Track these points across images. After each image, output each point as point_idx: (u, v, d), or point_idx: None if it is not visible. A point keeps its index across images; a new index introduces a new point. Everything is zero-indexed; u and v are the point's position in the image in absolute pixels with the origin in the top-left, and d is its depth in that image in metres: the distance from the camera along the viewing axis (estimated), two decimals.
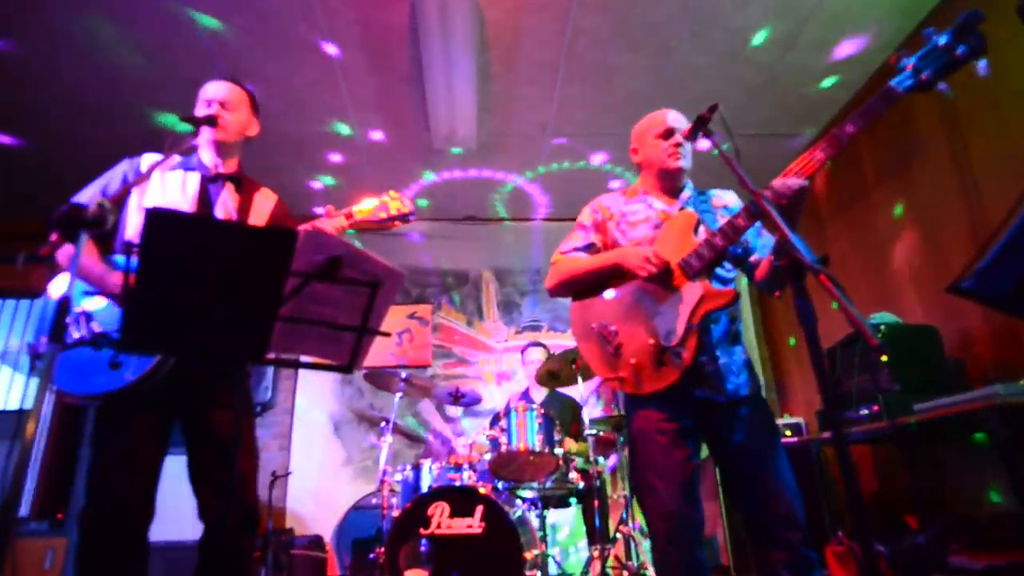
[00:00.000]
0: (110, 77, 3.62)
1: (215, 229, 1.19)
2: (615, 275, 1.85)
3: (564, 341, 5.21)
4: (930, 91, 1.41)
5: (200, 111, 1.99)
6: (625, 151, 4.72)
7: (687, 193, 1.94)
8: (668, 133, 1.94)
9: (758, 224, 1.85)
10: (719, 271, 1.80)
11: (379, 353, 5.03)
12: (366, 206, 1.98)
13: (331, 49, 3.52)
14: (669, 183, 1.95)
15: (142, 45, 3.43)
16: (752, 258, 1.84)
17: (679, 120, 1.97)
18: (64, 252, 1.65)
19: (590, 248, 1.99)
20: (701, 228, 1.80)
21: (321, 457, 4.78)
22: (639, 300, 1.79)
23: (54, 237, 1.27)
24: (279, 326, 1.33)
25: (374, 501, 4.05)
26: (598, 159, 4.73)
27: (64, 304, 1.20)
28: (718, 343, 1.74)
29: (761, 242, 1.85)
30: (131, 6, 3.18)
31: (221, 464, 1.72)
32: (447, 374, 5.12)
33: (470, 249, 5.47)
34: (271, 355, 1.37)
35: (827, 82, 3.90)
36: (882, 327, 3.10)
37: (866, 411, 3.03)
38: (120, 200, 1.50)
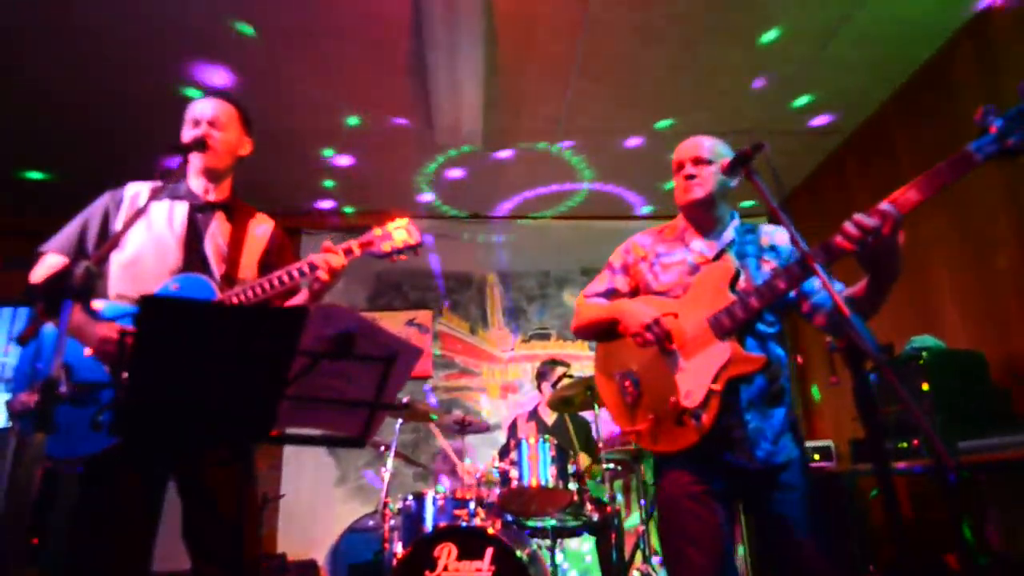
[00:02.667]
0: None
1: (217, 314, 1.15)
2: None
3: (575, 351, 5.19)
4: (1015, 159, 1.32)
5: (187, 132, 1.94)
6: (643, 147, 4.68)
7: (730, 234, 1.86)
8: (678, 167, 1.89)
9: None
10: (759, 326, 1.76)
11: None
12: (368, 238, 1.92)
13: (329, 40, 3.45)
14: (697, 217, 1.89)
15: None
16: (805, 306, 1.77)
17: (686, 149, 1.89)
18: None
19: (611, 294, 1.97)
20: (741, 278, 1.76)
21: (314, 477, 4.79)
22: (665, 351, 1.76)
23: (38, 309, 1.24)
24: (286, 403, 1.30)
25: (370, 523, 4.06)
26: (615, 156, 4.67)
27: (51, 385, 1.17)
28: (750, 406, 1.70)
29: (818, 285, 1.75)
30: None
31: (216, 530, 1.70)
32: (448, 386, 5.11)
33: (474, 250, 5.43)
34: (277, 432, 1.35)
35: (865, 75, 3.83)
36: (924, 353, 3.07)
37: (904, 444, 3.02)
38: (104, 257, 1.46)
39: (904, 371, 3.12)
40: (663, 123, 4.30)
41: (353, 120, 4.16)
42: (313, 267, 1.74)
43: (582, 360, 5.12)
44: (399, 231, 1.91)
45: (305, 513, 4.67)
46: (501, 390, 5.12)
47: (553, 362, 3.98)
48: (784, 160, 4.61)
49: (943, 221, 3.53)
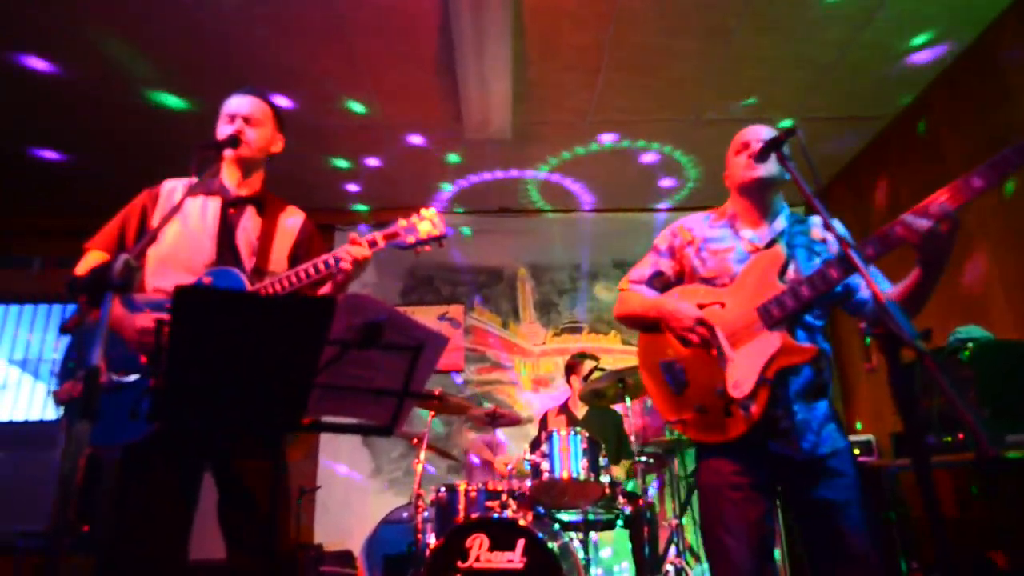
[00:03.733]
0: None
1: (248, 304, 1.18)
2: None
3: (608, 344, 5.16)
4: None
5: (223, 127, 1.99)
6: (673, 139, 4.63)
7: (781, 222, 1.83)
8: (744, 147, 1.86)
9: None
10: (807, 318, 1.72)
11: None
12: (393, 230, 1.93)
13: (357, 37, 3.49)
14: (753, 199, 1.85)
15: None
16: (854, 299, 1.75)
17: (758, 132, 1.87)
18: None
19: (657, 277, 1.95)
20: (791, 268, 1.72)
21: (350, 468, 4.87)
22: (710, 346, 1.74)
23: (81, 301, 1.29)
24: (316, 392, 1.33)
25: (405, 515, 4.11)
26: (644, 149, 4.62)
27: (94, 375, 1.22)
28: (796, 397, 1.68)
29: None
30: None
31: (248, 521, 1.74)
32: (480, 379, 5.14)
33: (504, 244, 5.43)
34: (308, 420, 1.38)
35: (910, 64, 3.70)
36: (969, 343, 2.97)
37: (949, 438, 2.92)
38: (143, 250, 1.51)
39: (949, 363, 3.02)
40: (693, 114, 4.23)
41: (381, 115, 4.20)
42: (338, 259, 1.77)
43: (614, 353, 5.09)
44: (424, 223, 1.92)
45: (340, 504, 4.76)
46: (533, 383, 5.13)
47: (583, 355, 3.96)
48: (818, 147, 4.50)
49: (986, 206, 3.40)
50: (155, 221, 1.89)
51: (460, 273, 5.37)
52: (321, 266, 1.78)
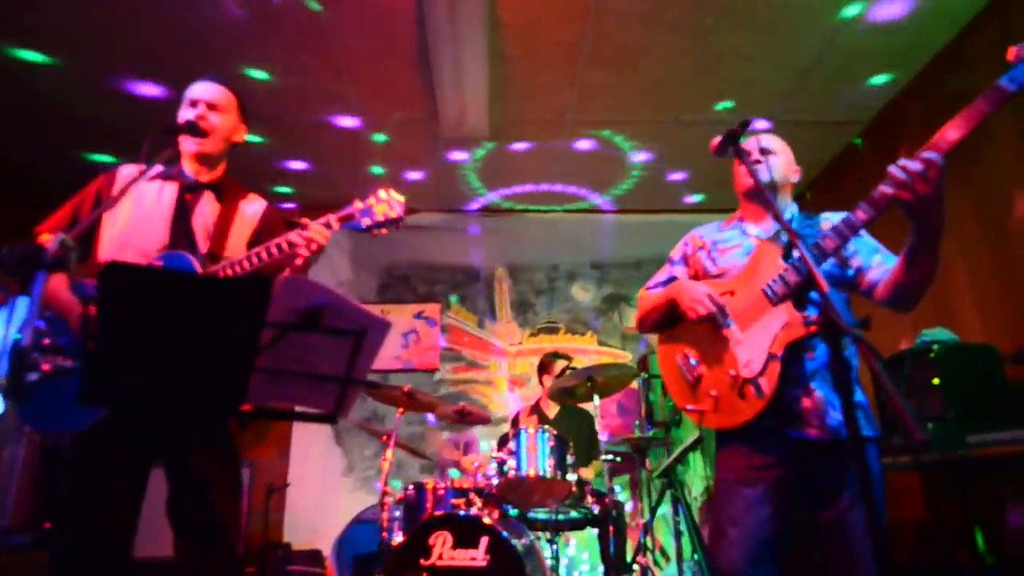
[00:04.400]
0: None
1: (179, 282, 1.15)
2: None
3: (583, 345, 5.16)
4: None
5: (185, 112, 1.95)
6: (654, 139, 4.64)
7: (787, 216, 1.89)
8: (716, 153, 1.90)
9: (872, 241, 1.80)
10: (814, 295, 1.71)
11: (383, 355, 5.03)
12: (348, 211, 1.88)
13: (331, 32, 3.46)
14: (756, 204, 1.93)
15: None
16: (865, 281, 1.74)
17: (757, 140, 1.95)
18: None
19: (671, 283, 1.99)
20: (795, 253, 1.72)
21: (321, 466, 4.82)
22: (721, 326, 1.75)
23: (11, 283, 1.25)
24: (256, 376, 1.30)
25: (375, 514, 4.07)
26: (623, 147, 4.63)
27: (20, 355, 1.19)
28: (814, 374, 1.67)
29: (879, 258, 1.75)
30: None
31: (197, 509, 1.71)
32: (455, 379, 5.11)
33: (482, 243, 5.41)
34: (249, 406, 1.35)
35: (879, 78, 3.75)
36: (935, 345, 2.99)
37: None
38: (86, 231, 1.48)
39: (916, 364, 3.05)
40: (675, 114, 4.24)
41: (352, 112, 4.17)
42: (292, 243, 1.74)
43: (589, 354, 5.09)
44: (381, 205, 1.86)
45: (311, 503, 4.70)
46: (509, 383, 5.11)
47: (555, 355, 3.95)
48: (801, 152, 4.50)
49: (959, 208, 3.42)
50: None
51: (437, 272, 5.34)
52: (274, 250, 1.75)
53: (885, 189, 1.45)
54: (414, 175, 4.98)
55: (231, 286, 1.19)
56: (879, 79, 3.86)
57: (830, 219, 1.85)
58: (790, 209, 1.92)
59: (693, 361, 1.82)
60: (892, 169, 1.42)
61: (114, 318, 1.09)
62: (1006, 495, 2.91)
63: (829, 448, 1.63)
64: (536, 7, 3.36)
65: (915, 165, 1.39)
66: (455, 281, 5.33)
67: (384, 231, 1.85)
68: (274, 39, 3.53)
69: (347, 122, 4.28)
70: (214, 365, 1.21)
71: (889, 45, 3.57)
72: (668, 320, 1.93)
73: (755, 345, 1.66)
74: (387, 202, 1.84)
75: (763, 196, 1.82)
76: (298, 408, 1.41)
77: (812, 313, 1.63)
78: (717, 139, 1.73)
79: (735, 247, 1.90)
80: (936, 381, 2.94)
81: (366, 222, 1.83)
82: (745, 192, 1.94)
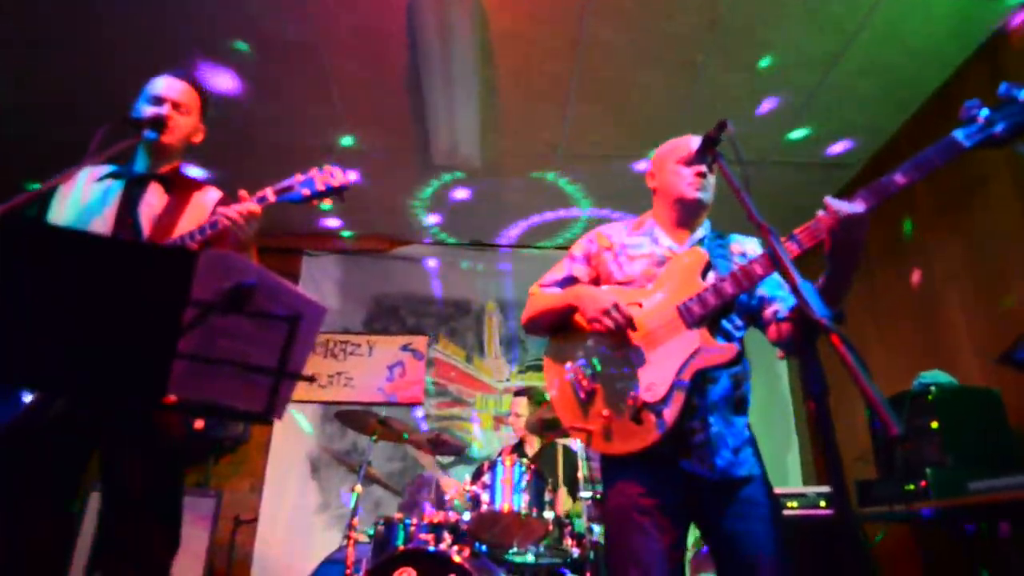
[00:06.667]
0: None
1: (90, 245, 1.05)
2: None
3: None
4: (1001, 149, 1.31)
5: (146, 108, 1.89)
6: (644, 172, 4.59)
7: (701, 232, 1.79)
8: (688, 162, 1.81)
9: (779, 278, 1.69)
10: (725, 324, 1.62)
11: (367, 388, 4.88)
12: (288, 183, 1.79)
13: (324, 57, 3.47)
14: (684, 216, 1.80)
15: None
16: (767, 311, 1.65)
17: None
18: None
19: (569, 283, 1.85)
20: (711, 273, 1.63)
21: (295, 501, 4.60)
22: (626, 342, 1.62)
23: None
24: (181, 365, 1.19)
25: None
26: (614, 182, 4.59)
27: None
28: (714, 407, 1.56)
29: (782, 293, 1.66)
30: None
31: (122, 521, 1.56)
32: (439, 414, 4.93)
33: (473, 277, 5.32)
34: (173, 398, 1.23)
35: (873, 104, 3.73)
36: (932, 388, 2.86)
37: (912, 486, 2.76)
38: (22, 205, 1.39)
39: (913, 407, 2.91)
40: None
41: (349, 139, 4.15)
42: (229, 218, 1.64)
43: None
44: (323, 175, 1.78)
45: (282, 540, 4.46)
46: (494, 421, 4.93)
47: (521, 392, 3.84)
48: (789, 194, 4.45)
49: (957, 256, 3.33)
50: (57, 198, 1.78)
51: (426, 304, 5.22)
52: (208, 229, 1.66)
53: (821, 218, 1.41)
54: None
55: (150, 252, 1.09)
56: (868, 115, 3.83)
57: (741, 242, 1.79)
58: (706, 226, 1.83)
59: (588, 373, 1.65)
60: (830, 200, 1.38)
61: (12, 284, 0.99)
62: (1012, 543, 2.71)
63: (720, 486, 1.54)
64: (527, 40, 3.34)
65: (850, 207, 1.34)
66: (444, 314, 5.21)
67: (328, 200, 1.76)
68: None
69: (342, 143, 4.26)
70: (129, 342, 1.10)
71: (880, 84, 3.56)
72: (561, 325, 1.77)
73: (661, 367, 1.52)
74: (330, 172, 1.76)
75: (699, 210, 1.78)
76: (225, 404, 1.29)
77: (721, 343, 1.56)
78: (695, 147, 1.67)
79: (645, 255, 1.75)
80: (935, 425, 2.80)
81: (305, 192, 1.74)
82: (683, 200, 1.77)
